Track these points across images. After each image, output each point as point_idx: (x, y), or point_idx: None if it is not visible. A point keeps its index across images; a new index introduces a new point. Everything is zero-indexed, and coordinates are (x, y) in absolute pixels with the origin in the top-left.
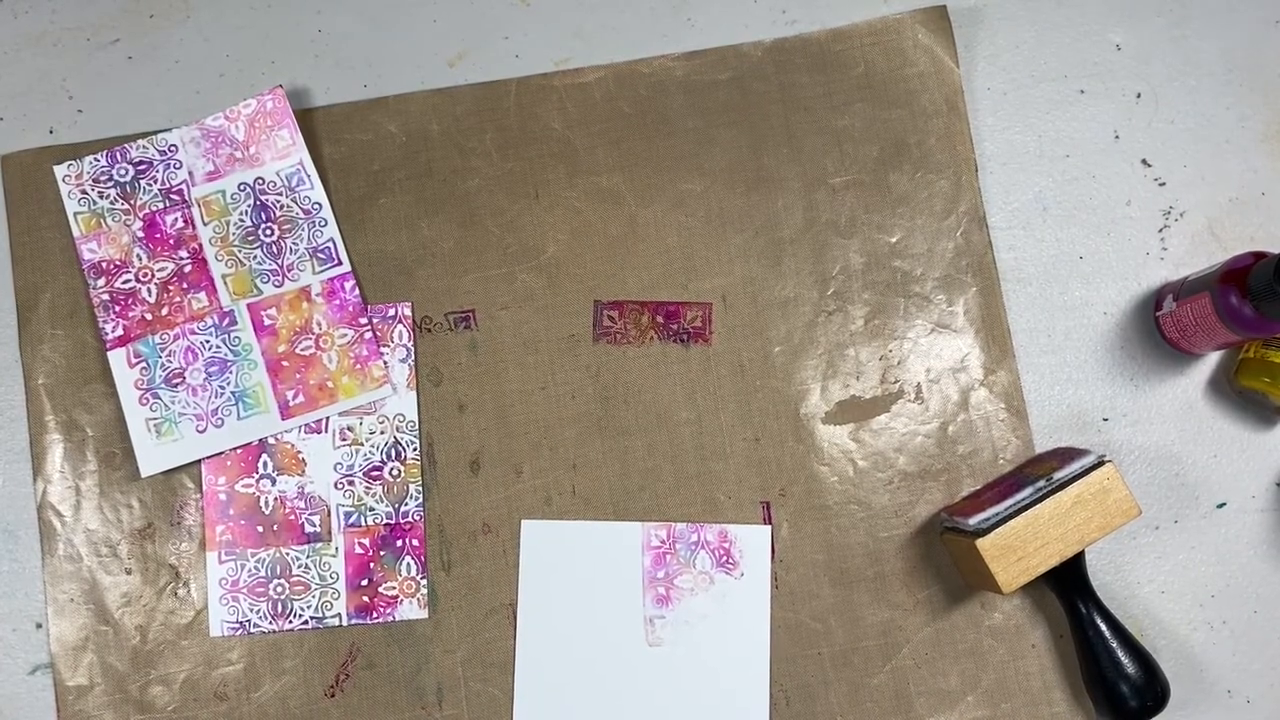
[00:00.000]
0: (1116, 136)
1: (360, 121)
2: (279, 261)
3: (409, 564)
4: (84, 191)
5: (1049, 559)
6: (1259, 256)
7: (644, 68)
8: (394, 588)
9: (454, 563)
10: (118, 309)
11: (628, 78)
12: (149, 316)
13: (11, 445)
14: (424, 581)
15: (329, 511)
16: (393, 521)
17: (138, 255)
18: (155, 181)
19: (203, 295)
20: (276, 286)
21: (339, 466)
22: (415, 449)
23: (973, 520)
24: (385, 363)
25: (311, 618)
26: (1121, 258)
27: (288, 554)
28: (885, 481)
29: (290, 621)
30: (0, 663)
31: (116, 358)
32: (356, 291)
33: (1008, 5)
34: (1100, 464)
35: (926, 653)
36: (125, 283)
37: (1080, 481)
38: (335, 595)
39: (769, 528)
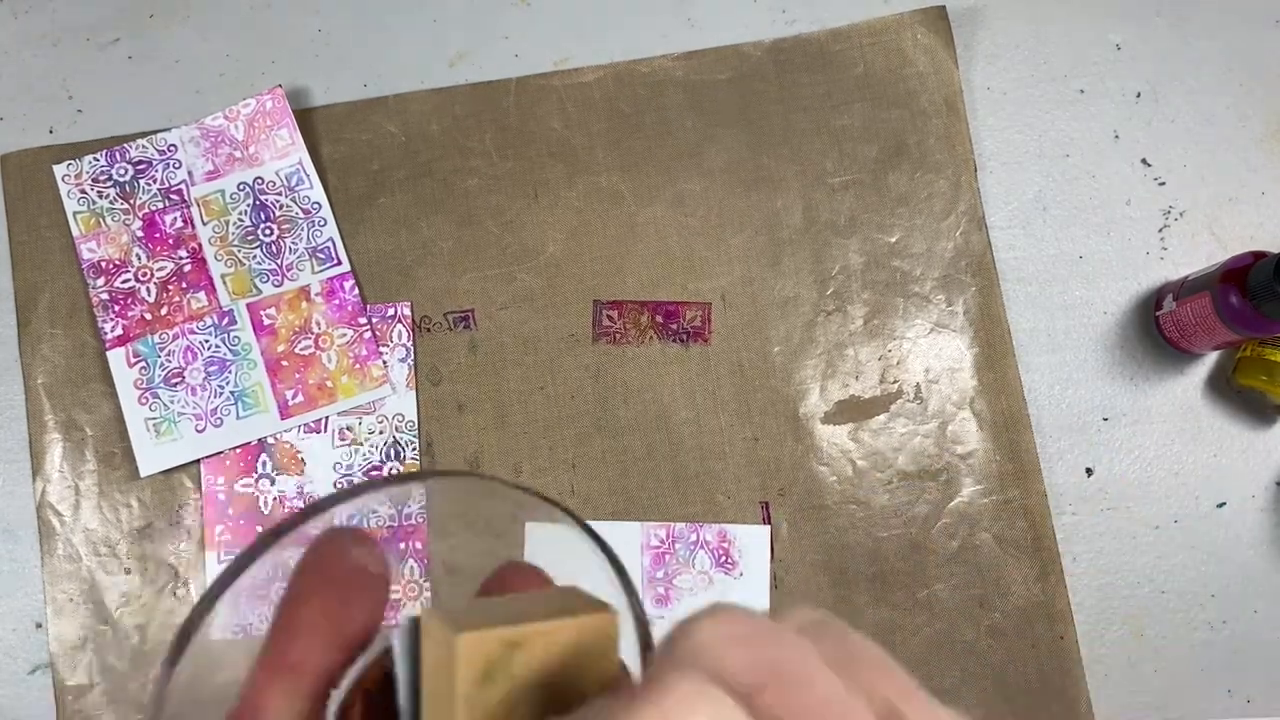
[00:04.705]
0: (1116, 136)
1: (360, 121)
2: (278, 261)
3: (412, 567)
4: (83, 191)
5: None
6: (1259, 256)
7: (644, 68)
8: (397, 591)
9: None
10: (117, 308)
11: (627, 78)
12: (148, 316)
13: (11, 445)
14: (427, 585)
15: (330, 514)
16: (395, 524)
17: (137, 255)
18: (155, 181)
19: (202, 295)
20: (276, 286)
21: (338, 466)
22: (415, 449)
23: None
24: (384, 362)
25: None
26: (1121, 258)
27: (289, 556)
28: (884, 481)
29: None
30: (0, 663)
31: (116, 357)
32: (356, 291)
33: (1008, 5)
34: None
35: (926, 653)
36: (124, 282)
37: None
38: None
39: (768, 528)
